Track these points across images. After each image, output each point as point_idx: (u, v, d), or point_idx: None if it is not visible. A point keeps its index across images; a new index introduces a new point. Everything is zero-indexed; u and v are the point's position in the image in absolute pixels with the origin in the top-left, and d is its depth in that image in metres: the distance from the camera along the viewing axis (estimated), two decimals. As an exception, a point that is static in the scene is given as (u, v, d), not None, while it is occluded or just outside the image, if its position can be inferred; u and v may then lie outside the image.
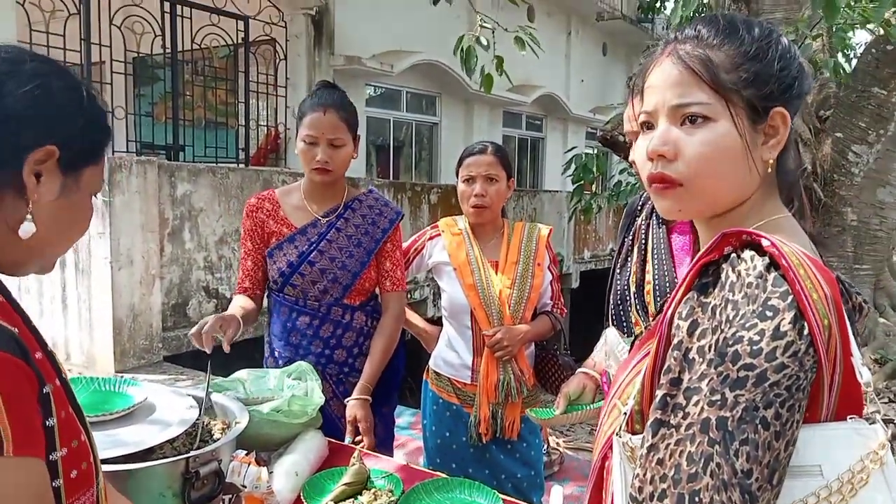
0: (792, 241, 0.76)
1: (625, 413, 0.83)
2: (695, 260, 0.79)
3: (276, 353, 2.03)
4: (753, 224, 0.80)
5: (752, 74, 0.79)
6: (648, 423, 0.74)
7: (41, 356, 0.74)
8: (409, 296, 3.85)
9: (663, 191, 0.82)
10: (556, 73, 12.86)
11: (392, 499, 1.46)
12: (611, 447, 0.86)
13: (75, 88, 0.81)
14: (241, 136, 7.08)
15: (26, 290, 4.66)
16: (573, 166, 6.34)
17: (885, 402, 5.30)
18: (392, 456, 1.98)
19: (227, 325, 1.67)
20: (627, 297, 1.68)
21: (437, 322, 2.42)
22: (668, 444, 0.72)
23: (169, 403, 1.48)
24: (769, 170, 0.82)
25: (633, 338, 1.25)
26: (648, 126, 0.85)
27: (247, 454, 1.41)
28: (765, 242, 0.73)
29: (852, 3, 4.01)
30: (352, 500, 1.46)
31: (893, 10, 3.95)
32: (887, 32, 4.14)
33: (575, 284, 9.91)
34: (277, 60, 7.39)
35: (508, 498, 1.51)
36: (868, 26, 4.67)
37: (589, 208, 6.59)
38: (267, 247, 2.00)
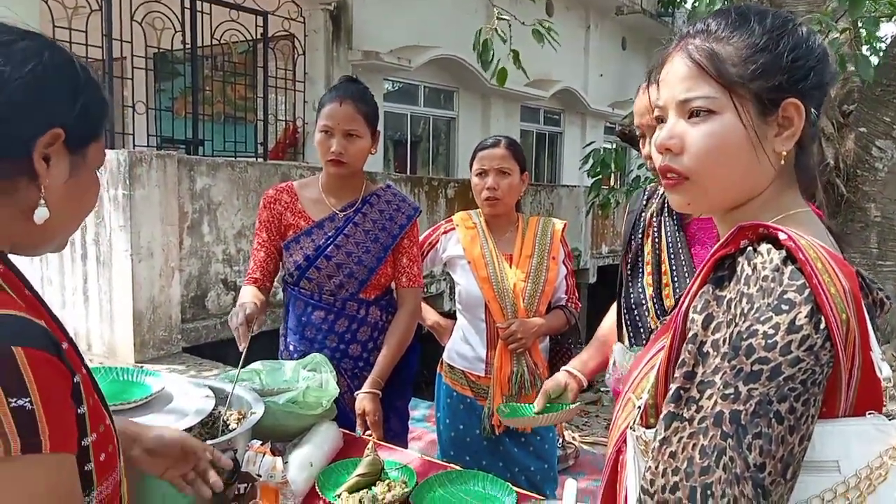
0: (810, 235, 0.75)
1: (639, 407, 0.83)
2: (710, 253, 0.79)
3: (291, 347, 2.04)
4: (771, 218, 0.79)
5: (759, 66, 0.78)
6: (662, 416, 0.74)
7: (67, 346, 0.75)
8: (425, 290, 3.85)
9: (673, 185, 0.83)
10: (575, 68, 12.76)
11: (406, 490, 1.46)
12: (625, 441, 0.85)
13: (70, 63, 0.79)
14: (260, 130, 7.12)
15: (48, 281, 4.73)
16: (591, 161, 6.30)
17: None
18: (407, 448, 1.99)
19: (256, 316, 1.76)
20: (643, 302, 1.58)
21: (453, 316, 2.42)
22: (681, 438, 0.71)
23: (186, 393, 1.49)
24: (782, 162, 0.80)
25: None
26: (661, 120, 0.86)
27: (262, 444, 1.42)
28: (782, 236, 0.72)
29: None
30: (366, 490, 1.46)
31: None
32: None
33: (592, 279, 9.87)
34: (296, 56, 7.42)
35: (522, 490, 1.51)
36: (894, 19, 4.58)
37: (607, 203, 6.55)
38: (283, 239, 2.01)
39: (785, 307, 0.68)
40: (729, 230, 0.78)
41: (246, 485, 1.35)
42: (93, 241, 4.43)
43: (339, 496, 1.44)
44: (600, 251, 10.21)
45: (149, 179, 4.31)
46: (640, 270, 1.61)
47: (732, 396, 0.68)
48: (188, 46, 6.38)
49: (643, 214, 1.67)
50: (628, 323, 1.62)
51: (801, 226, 0.78)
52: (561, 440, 3.49)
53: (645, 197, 1.71)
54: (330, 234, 1.97)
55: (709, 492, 0.67)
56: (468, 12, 9.34)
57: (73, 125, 0.77)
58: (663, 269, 1.55)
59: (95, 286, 4.49)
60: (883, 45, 6.64)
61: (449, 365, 2.29)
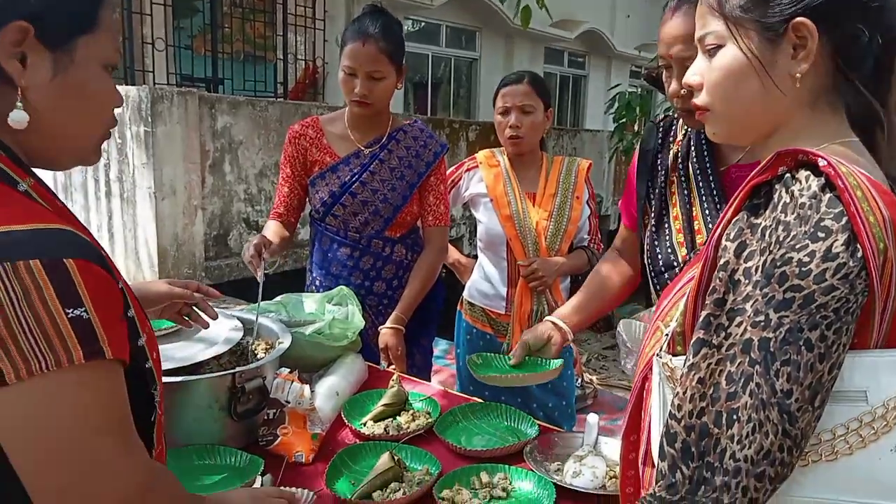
0: (853, 163, 0.73)
1: (666, 335, 0.83)
2: (747, 180, 0.77)
3: (318, 282, 2.06)
4: (812, 146, 0.77)
5: None
6: (691, 342, 0.74)
7: (105, 255, 0.76)
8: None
9: (701, 116, 0.87)
10: (601, 9, 12.36)
11: (430, 420, 1.50)
12: (651, 368, 0.86)
13: None
14: (280, 70, 7.04)
15: (75, 218, 4.80)
16: (616, 104, 6.18)
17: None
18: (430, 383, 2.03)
19: (267, 245, 1.77)
20: (675, 264, 1.31)
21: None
22: (710, 364, 0.72)
23: (215, 323, 1.52)
24: (797, 85, 0.78)
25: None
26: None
27: (290, 372, 1.45)
28: (821, 162, 0.70)
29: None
30: (391, 420, 1.50)
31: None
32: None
33: (613, 226, 9.80)
34: (316, -8, 7.27)
35: (542, 423, 1.54)
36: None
37: (630, 148, 6.47)
38: (308, 175, 2.01)
39: (821, 234, 0.67)
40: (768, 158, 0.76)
41: (274, 410, 1.39)
42: (116, 178, 4.47)
43: (364, 424, 1.48)
44: (622, 197, 10.10)
45: (170, 117, 4.30)
46: (668, 227, 1.34)
47: (763, 324, 0.68)
48: (207, -19, 6.27)
49: (660, 156, 1.40)
50: (658, 288, 1.35)
51: (844, 155, 0.75)
52: (580, 380, 3.54)
53: (660, 134, 1.42)
54: (356, 170, 1.96)
55: (735, 416, 0.68)
56: (493, -53, 9.04)
57: (44, 18, 0.69)
58: (696, 228, 1.30)
59: (120, 223, 4.55)
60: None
61: (469, 302, 2.31)
